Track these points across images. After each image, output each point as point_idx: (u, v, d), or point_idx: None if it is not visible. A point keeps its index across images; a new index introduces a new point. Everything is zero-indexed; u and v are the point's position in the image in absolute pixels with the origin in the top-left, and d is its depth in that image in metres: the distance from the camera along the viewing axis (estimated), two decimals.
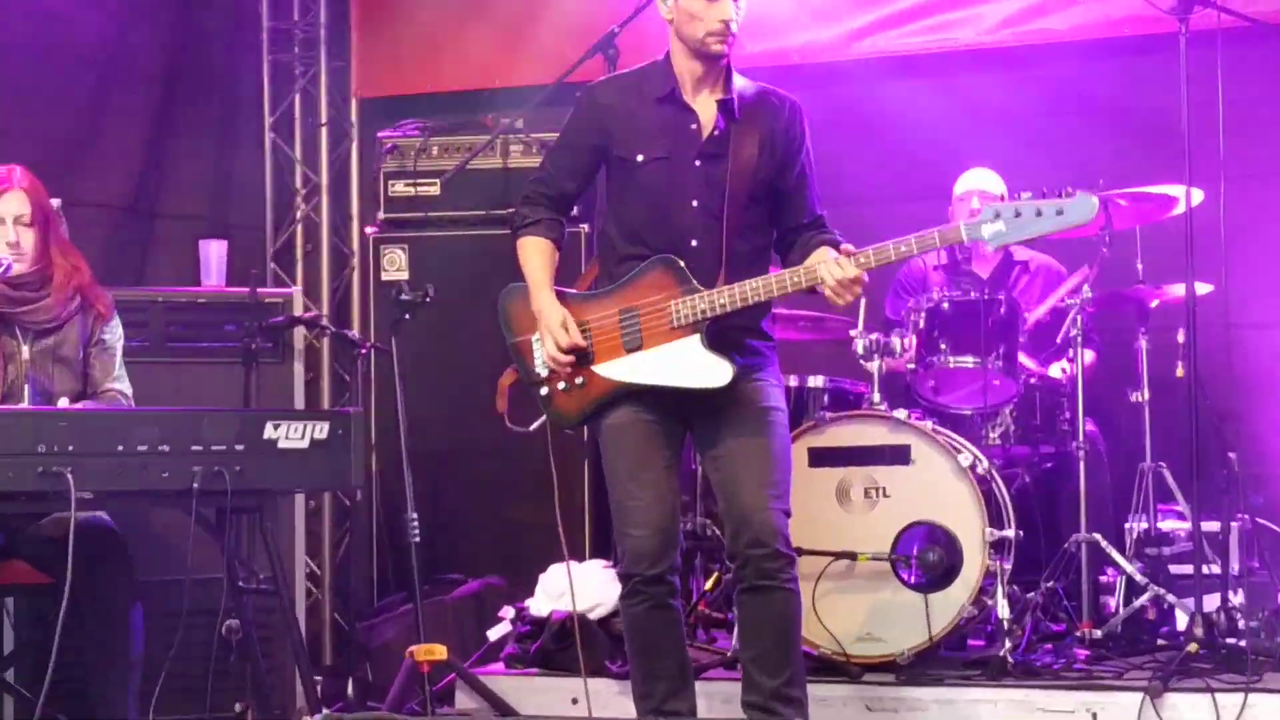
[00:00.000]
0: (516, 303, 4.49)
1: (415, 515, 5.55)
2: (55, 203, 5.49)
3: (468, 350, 6.35)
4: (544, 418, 4.49)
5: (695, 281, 4.28)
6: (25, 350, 4.78)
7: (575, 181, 4.51)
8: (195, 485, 4.34)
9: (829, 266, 4.17)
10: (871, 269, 4.19)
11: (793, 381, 5.83)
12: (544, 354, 4.38)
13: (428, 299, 5.65)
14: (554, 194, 4.50)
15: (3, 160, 4.97)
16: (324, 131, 7.40)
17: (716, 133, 4.36)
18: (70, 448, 4.25)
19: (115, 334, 4.95)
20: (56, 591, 4.36)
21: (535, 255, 4.46)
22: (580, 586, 5.20)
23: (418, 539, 5.49)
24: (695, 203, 4.34)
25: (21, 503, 4.38)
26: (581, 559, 5.92)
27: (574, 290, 4.51)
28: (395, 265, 6.58)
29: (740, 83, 4.43)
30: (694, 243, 4.33)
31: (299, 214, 7.40)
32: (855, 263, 4.16)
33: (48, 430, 4.24)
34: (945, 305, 5.72)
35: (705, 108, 4.38)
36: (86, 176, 6.57)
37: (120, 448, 4.31)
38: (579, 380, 4.36)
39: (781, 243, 4.45)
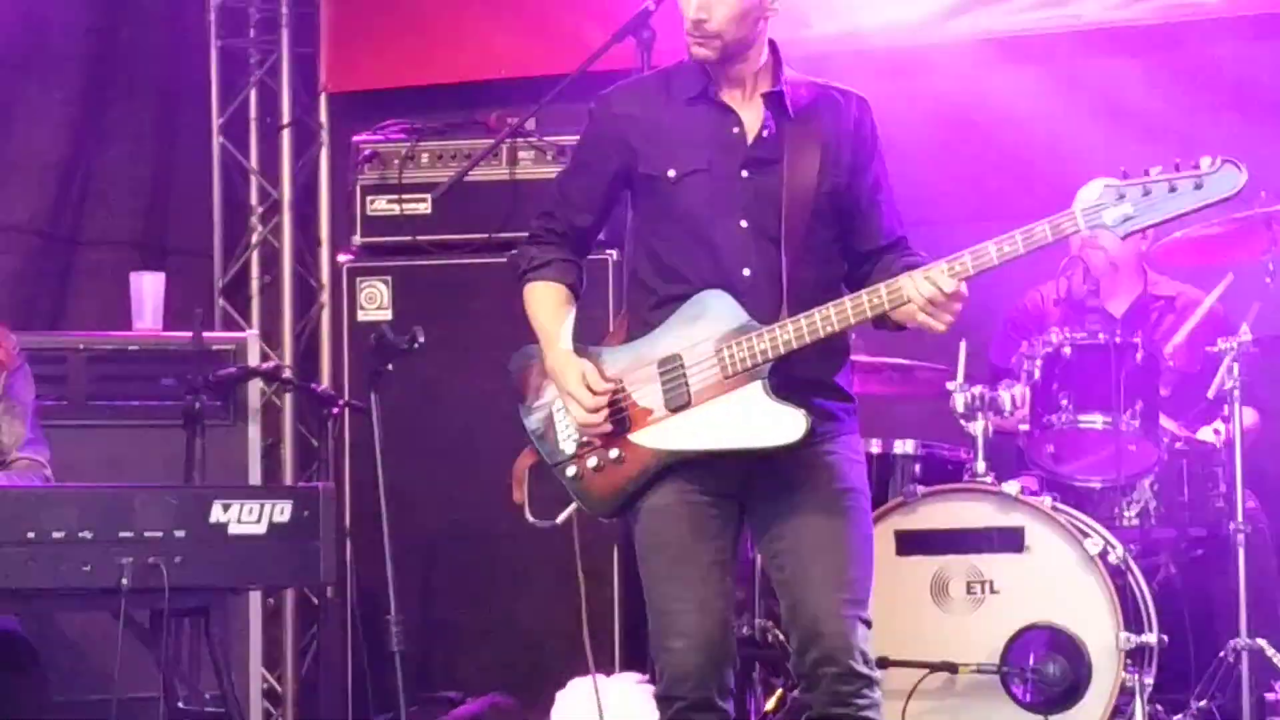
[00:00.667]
0: (531, 368, 4.47)
1: (400, 617, 5.55)
2: None
3: (465, 409, 6.35)
4: (573, 506, 4.46)
5: (751, 318, 4.26)
6: None
7: (592, 213, 4.49)
8: (125, 582, 4.34)
9: (916, 281, 4.15)
10: (970, 277, 4.15)
11: (875, 447, 5.81)
12: (569, 423, 4.36)
13: (416, 345, 5.65)
14: (566, 230, 4.49)
15: None
16: (286, 134, 7.45)
17: (765, 135, 4.34)
18: None
19: (24, 388, 4.94)
20: None
21: (546, 303, 4.45)
22: (609, 707, 5.17)
23: (403, 647, 5.48)
24: (744, 222, 4.32)
25: None
26: (610, 672, 5.90)
27: (600, 347, 4.49)
28: (375, 302, 6.57)
29: (792, 76, 4.41)
30: (746, 272, 4.30)
31: (255, 238, 7.44)
32: (950, 271, 4.14)
33: None
34: (1067, 350, 5.69)
35: (749, 106, 4.36)
36: None
37: (30, 535, 4.31)
38: (614, 454, 4.33)
39: (854, 274, 4.41)
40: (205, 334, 5.93)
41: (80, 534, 4.34)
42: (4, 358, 4.93)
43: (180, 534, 4.42)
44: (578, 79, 6.13)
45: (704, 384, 4.28)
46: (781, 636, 5.81)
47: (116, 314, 6.41)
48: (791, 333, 4.20)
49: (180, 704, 4.73)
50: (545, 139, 6.48)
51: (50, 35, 6.84)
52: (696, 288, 4.31)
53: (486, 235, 6.47)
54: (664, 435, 4.30)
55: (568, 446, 4.40)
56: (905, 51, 6.75)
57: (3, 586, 4.32)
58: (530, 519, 4.54)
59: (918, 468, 5.85)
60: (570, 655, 5.71)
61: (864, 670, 4.21)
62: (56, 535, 4.32)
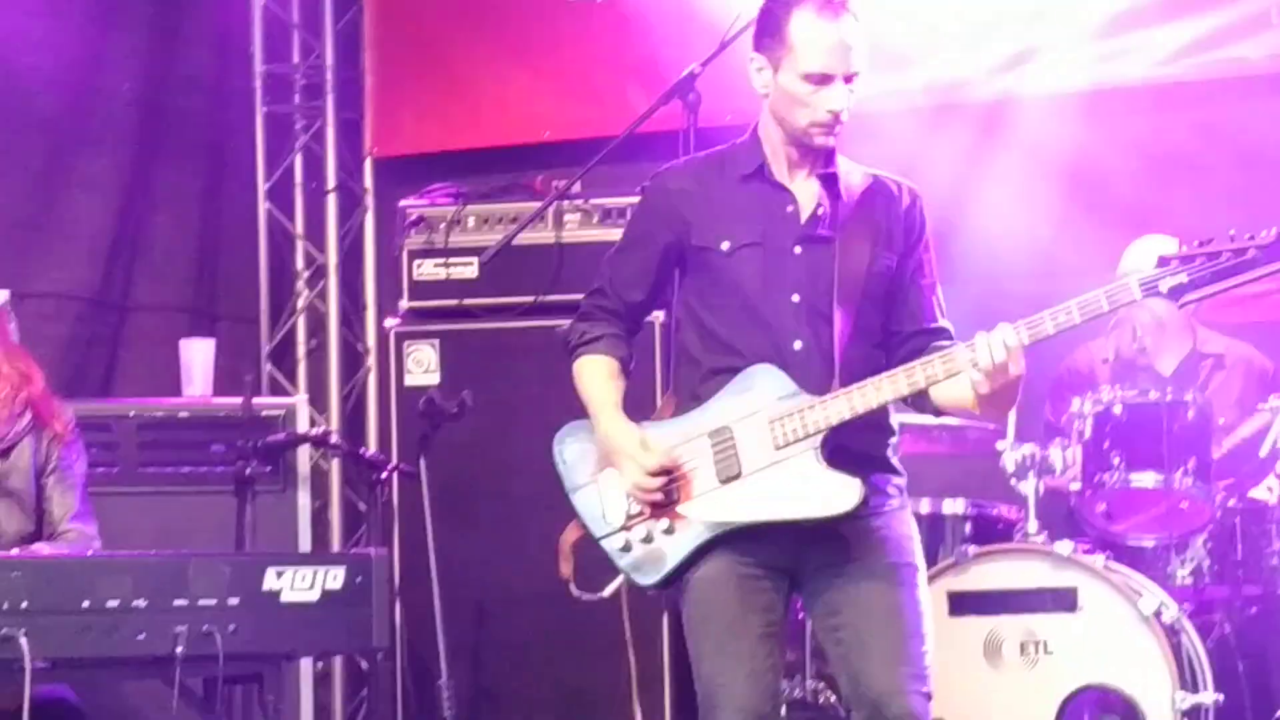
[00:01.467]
0: (575, 443, 4.48)
1: (451, 682, 5.55)
2: (2, 295, 5.58)
3: (513, 472, 6.34)
4: (620, 578, 4.47)
5: (803, 391, 4.27)
6: None
7: (643, 289, 4.51)
8: (178, 650, 4.34)
9: (980, 346, 4.14)
10: (1024, 347, 4.17)
11: (925, 507, 5.80)
12: (616, 495, 4.37)
13: (464, 409, 5.68)
14: (616, 307, 4.51)
15: None
16: (332, 199, 7.50)
17: (820, 214, 4.37)
18: (24, 604, 4.25)
19: (77, 459, 4.96)
20: None
21: (597, 376, 4.46)
22: None
23: (453, 712, 5.48)
24: (796, 297, 4.33)
25: None
26: None
27: (647, 422, 4.50)
28: (423, 366, 6.58)
29: (846, 163, 4.45)
30: (797, 345, 4.31)
31: (301, 302, 7.47)
32: (1004, 340, 4.14)
33: None
34: (1118, 409, 5.70)
35: (804, 186, 4.40)
36: (42, 262, 6.67)
37: (85, 604, 4.31)
38: (663, 526, 4.33)
39: (890, 358, 4.42)
40: (254, 399, 5.94)
41: (134, 602, 4.34)
42: (60, 429, 4.93)
43: (234, 601, 4.42)
44: (624, 142, 6.16)
45: (755, 455, 4.28)
46: (833, 698, 5.80)
47: (166, 379, 6.45)
48: (844, 404, 4.21)
49: None
50: (591, 201, 6.50)
51: (98, 103, 6.90)
52: (747, 361, 4.32)
53: (533, 298, 6.47)
54: (714, 506, 4.30)
55: (615, 519, 4.40)
56: (955, 108, 6.77)
57: (58, 655, 4.32)
58: (576, 593, 4.55)
59: (968, 527, 5.84)
60: None
61: None
62: (111, 604, 4.33)
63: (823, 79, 4.27)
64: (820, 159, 4.39)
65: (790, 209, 4.37)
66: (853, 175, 4.42)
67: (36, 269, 6.62)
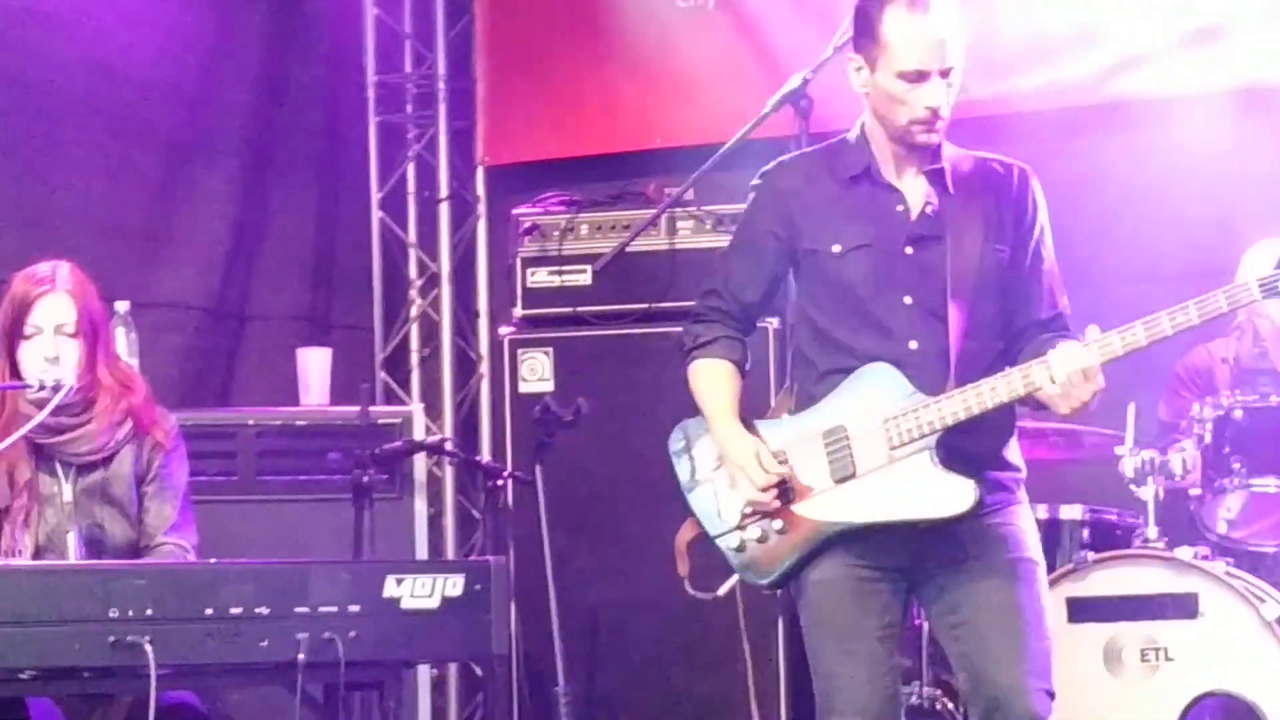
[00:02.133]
0: (690, 441, 4.49)
1: (568, 688, 5.57)
2: (123, 306, 5.65)
3: (627, 478, 6.37)
4: (735, 578, 4.48)
5: (918, 391, 4.27)
6: (67, 490, 4.85)
7: (757, 289, 4.51)
8: (301, 656, 4.36)
9: (1055, 357, 4.14)
10: (1142, 348, 4.14)
11: (1042, 513, 5.76)
12: (734, 498, 4.38)
13: (579, 416, 5.70)
14: (730, 308, 4.51)
15: (62, 255, 5.09)
16: (444, 208, 7.54)
17: (930, 212, 4.36)
18: (148, 611, 4.28)
19: (178, 468, 4.98)
20: None
21: (713, 381, 4.47)
22: None
23: (571, 718, 5.50)
24: (908, 299, 4.32)
25: (87, 680, 4.45)
26: None
27: (763, 420, 4.50)
28: (536, 373, 6.61)
29: (952, 151, 4.43)
30: (913, 345, 4.31)
31: (414, 310, 7.52)
32: (1094, 350, 4.13)
33: (121, 591, 4.29)
34: (1238, 413, 5.65)
35: (912, 184, 4.38)
36: (161, 273, 6.74)
37: (209, 611, 4.33)
38: (777, 525, 4.34)
39: (1009, 348, 4.41)
40: (370, 408, 5.99)
41: (257, 609, 4.36)
42: (160, 439, 4.93)
43: (354, 609, 4.43)
44: (736, 148, 6.16)
45: (869, 455, 4.28)
46: (949, 704, 5.78)
47: (283, 388, 6.51)
48: (959, 404, 4.20)
49: None
50: (704, 208, 6.52)
51: (214, 115, 6.97)
52: (862, 361, 4.32)
53: (647, 305, 6.51)
54: (829, 507, 4.30)
55: (730, 519, 4.41)
56: (1063, 113, 6.74)
57: (182, 662, 4.34)
58: (692, 591, 4.56)
59: (1085, 533, 5.81)
60: None
61: None
62: (234, 611, 4.34)
63: (918, 76, 4.26)
64: (927, 155, 4.37)
65: (900, 209, 4.36)
66: (961, 165, 4.40)
67: (156, 280, 6.69)
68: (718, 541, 4.43)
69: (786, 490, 4.33)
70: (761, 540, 4.36)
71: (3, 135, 6.12)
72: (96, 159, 6.49)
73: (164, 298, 6.72)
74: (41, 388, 4.70)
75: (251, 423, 6.04)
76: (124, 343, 5.63)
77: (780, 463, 4.33)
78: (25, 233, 5.97)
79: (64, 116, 6.36)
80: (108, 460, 4.86)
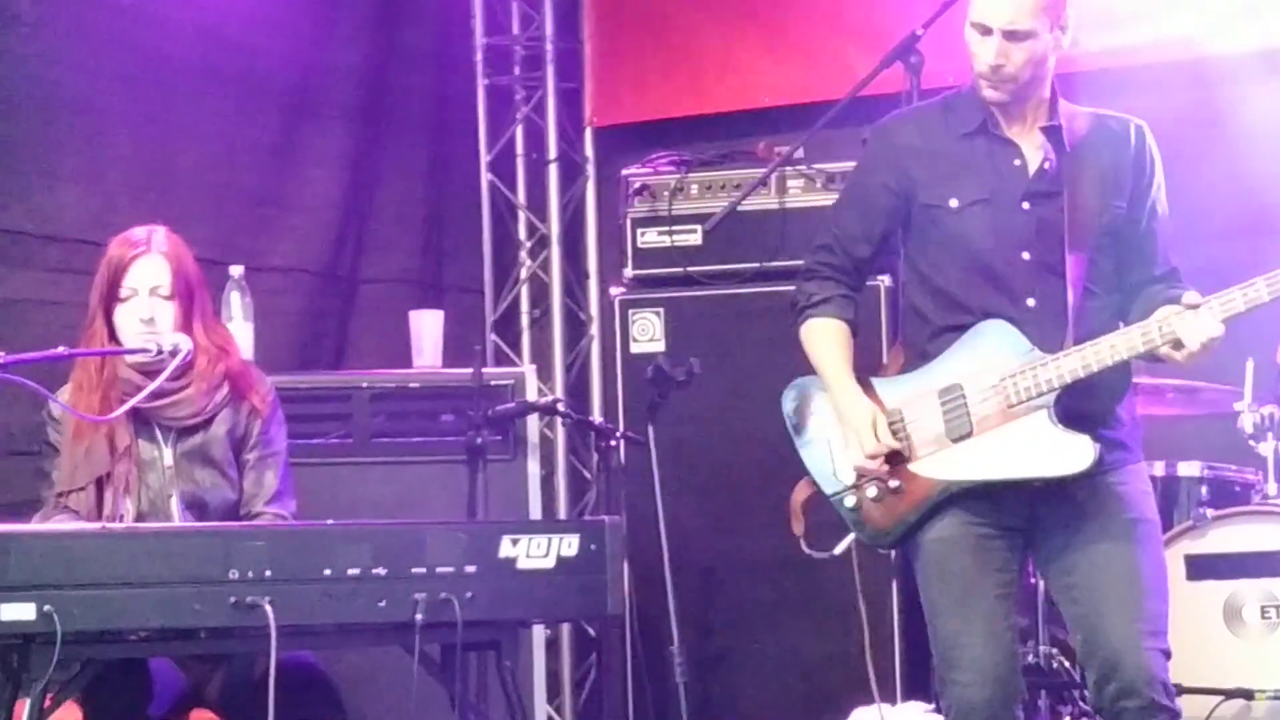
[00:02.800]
0: (805, 400, 4.49)
1: (682, 648, 5.58)
2: (237, 270, 5.70)
3: (739, 438, 6.37)
4: (851, 536, 4.47)
5: (1036, 348, 4.24)
6: (168, 454, 4.89)
7: (870, 244, 4.51)
8: (418, 617, 4.39)
9: (1195, 321, 4.11)
10: (1240, 314, 4.11)
11: (1159, 470, 5.73)
12: (849, 457, 4.37)
13: (691, 376, 5.69)
14: (843, 263, 4.50)
15: (177, 221, 5.13)
16: (553, 169, 7.54)
17: (1047, 167, 4.34)
18: (267, 573, 4.33)
19: (277, 433, 5.00)
20: None
21: (826, 341, 4.47)
22: None
23: (686, 678, 5.50)
24: (1026, 254, 4.31)
25: (206, 641, 4.50)
26: (893, 701, 5.88)
27: (876, 377, 4.49)
28: (648, 334, 6.61)
29: (1068, 108, 4.40)
30: (1030, 302, 4.30)
31: (524, 272, 7.54)
32: (1217, 309, 4.10)
33: (241, 552, 4.34)
34: None
35: (1028, 140, 4.37)
36: (276, 237, 6.77)
37: (327, 572, 4.37)
38: (894, 484, 4.34)
39: (1125, 304, 4.39)
40: (483, 369, 6.01)
41: (374, 570, 4.39)
42: (258, 403, 4.96)
43: (471, 569, 4.45)
44: (846, 106, 6.12)
45: (986, 413, 4.27)
46: (1065, 662, 5.76)
47: (395, 351, 6.54)
48: (1078, 361, 4.18)
49: None
50: (814, 167, 6.48)
51: (325, 79, 6.99)
52: (977, 318, 4.31)
53: (757, 264, 6.49)
54: (945, 465, 4.30)
55: (846, 477, 4.41)
56: (1179, 65, 6.65)
57: (301, 623, 4.39)
58: (808, 550, 4.56)
59: (1204, 490, 5.76)
60: (851, 685, 5.71)
61: (1166, 703, 4.16)
62: (352, 572, 4.38)
63: (983, 30, 4.26)
64: (1042, 110, 4.36)
65: (1017, 163, 4.35)
66: (1077, 122, 4.38)
67: (271, 244, 6.72)
68: (833, 500, 4.43)
69: (904, 449, 4.33)
70: (878, 499, 4.36)
71: (118, 102, 6.16)
72: (210, 125, 6.52)
73: (279, 262, 6.75)
74: (160, 352, 4.74)
75: (365, 385, 6.06)
76: (238, 306, 5.68)
77: (895, 423, 4.32)
78: (141, 199, 6.02)
79: (178, 83, 6.39)
80: (206, 423, 4.90)
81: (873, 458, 4.31)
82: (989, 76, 4.29)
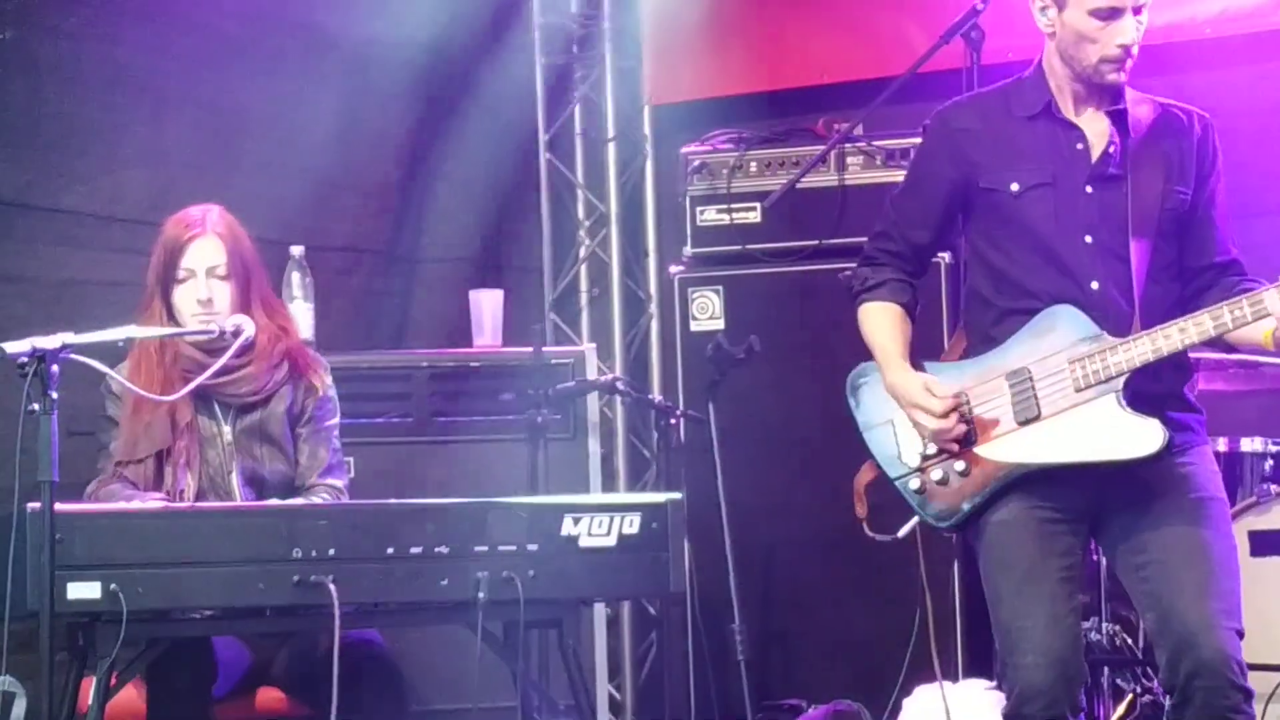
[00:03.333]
0: (869, 384, 4.48)
1: (743, 625, 5.57)
2: (297, 250, 5.71)
3: (799, 415, 6.37)
4: (915, 520, 4.46)
5: (1102, 332, 4.22)
6: (227, 431, 4.92)
7: (929, 230, 4.49)
8: (480, 595, 4.41)
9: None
10: None
11: (1222, 446, 5.70)
12: (911, 437, 4.36)
13: (751, 353, 5.68)
14: (901, 249, 4.49)
15: (241, 200, 5.15)
16: (611, 148, 7.52)
17: (1111, 151, 4.32)
18: (331, 551, 4.36)
19: (332, 411, 5.03)
20: None
21: (881, 324, 4.46)
22: (957, 715, 5.14)
23: (747, 656, 5.50)
24: (1089, 238, 4.29)
25: (270, 619, 4.53)
26: (954, 679, 5.87)
27: (938, 363, 4.47)
28: (707, 312, 6.60)
29: (1133, 94, 4.38)
30: (1094, 285, 4.27)
31: (583, 251, 7.53)
32: None
33: (305, 531, 4.36)
34: None
35: (1092, 124, 4.35)
36: (338, 216, 6.77)
37: (390, 550, 4.40)
38: (959, 467, 4.32)
39: (1185, 288, 4.37)
40: (543, 348, 6.01)
41: (437, 549, 4.42)
42: (315, 382, 4.99)
43: (533, 547, 4.47)
44: (906, 82, 6.11)
45: (1054, 397, 4.25)
46: (1129, 640, 5.74)
47: (456, 330, 6.55)
48: (1148, 346, 4.16)
49: (535, 715, 4.81)
50: (874, 143, 6.46)
51: (385, 58, 6.99)
52: (1042, 302, 4.28)
53: (817, 241, 6.47)
54: (1012, 448, 4.28)
55: (910, 460, 4.40)
56: (1243, 39, 6.59)
57: (364, 601, 4.43)
58: (871, 534, 4.54)
59: (1268, 465, 5.73)
60: (911, 663, 5.70)
61: (1241, 682, 4.14)
62: (414, 550, 4.41)
63: (1111, 13, 4.21)
64: (1108, 96, 4.33)
65: (1080, 147, 4.32)
66: (1141, 108, 4.36)
67: (333, 223, 6.72)
68: (898, 484, 4.42)
69: (969, 432, 4.31)
70: (943, 482, 4.34)
71: (183, 82, 6.18)
72: (272, 105, 6.52)
73: (341, 241, 6.76)
74: (222, 334, 4.77)
75: (425, 364, 6.08)
76: (299, 286, 5.70)
77: (961, 406, 4.31)
78: (203, 179, 6.04)
79: (239, 63, 6.40)
80: (265, 400, 4.93)
81: (943, 416, 4.27)
82: (1120, 60, 4.25)
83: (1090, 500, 4.28)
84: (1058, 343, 4.25)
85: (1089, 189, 4.30)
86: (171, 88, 6.16)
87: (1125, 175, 4.29)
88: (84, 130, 5.86)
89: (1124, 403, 4.18)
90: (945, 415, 4.29)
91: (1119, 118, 4.33)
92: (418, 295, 7.10)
